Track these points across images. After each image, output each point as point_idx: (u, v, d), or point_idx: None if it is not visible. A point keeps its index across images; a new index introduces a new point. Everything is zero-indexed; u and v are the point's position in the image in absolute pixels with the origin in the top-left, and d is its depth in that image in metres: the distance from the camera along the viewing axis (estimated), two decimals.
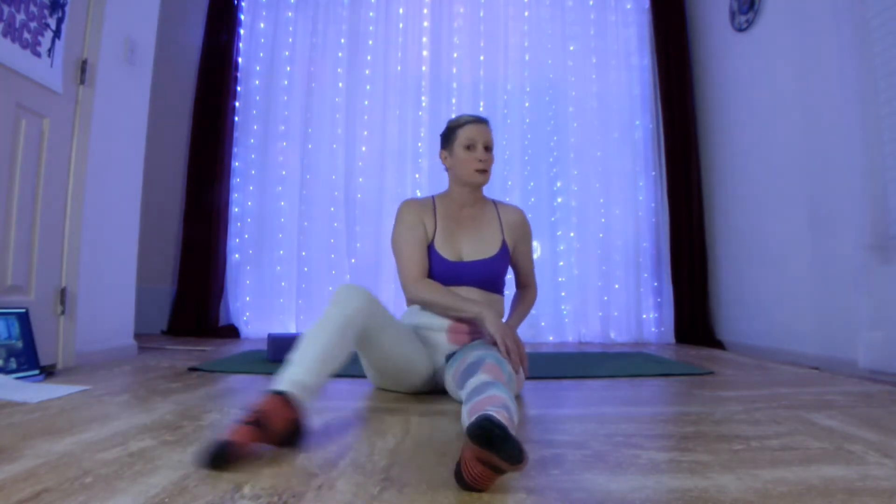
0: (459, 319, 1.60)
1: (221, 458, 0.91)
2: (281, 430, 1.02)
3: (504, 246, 1.71)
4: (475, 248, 1.69)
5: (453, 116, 1.78)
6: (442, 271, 1.65)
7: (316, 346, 1.20)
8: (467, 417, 0.98)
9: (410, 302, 1.67)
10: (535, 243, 3.50)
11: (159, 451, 1.01)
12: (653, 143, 3.67)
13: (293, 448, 1.05)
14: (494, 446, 0.78)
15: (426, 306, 1.63)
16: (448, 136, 1.73)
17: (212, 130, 3.53)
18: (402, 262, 1.65)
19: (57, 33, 1.98)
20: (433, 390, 1.68)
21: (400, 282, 1.67)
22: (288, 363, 1.16)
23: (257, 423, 0.98)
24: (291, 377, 1.12)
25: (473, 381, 1.14)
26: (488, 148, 1.70)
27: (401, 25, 3.68)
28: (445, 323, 1.62)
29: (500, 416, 0.90)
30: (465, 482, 0.83)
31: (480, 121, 1.71)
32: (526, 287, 1.85)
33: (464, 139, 1.68)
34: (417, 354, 1.59)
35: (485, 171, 1.68)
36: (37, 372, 1.78)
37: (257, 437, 0.97)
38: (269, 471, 0.92)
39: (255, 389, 1.69)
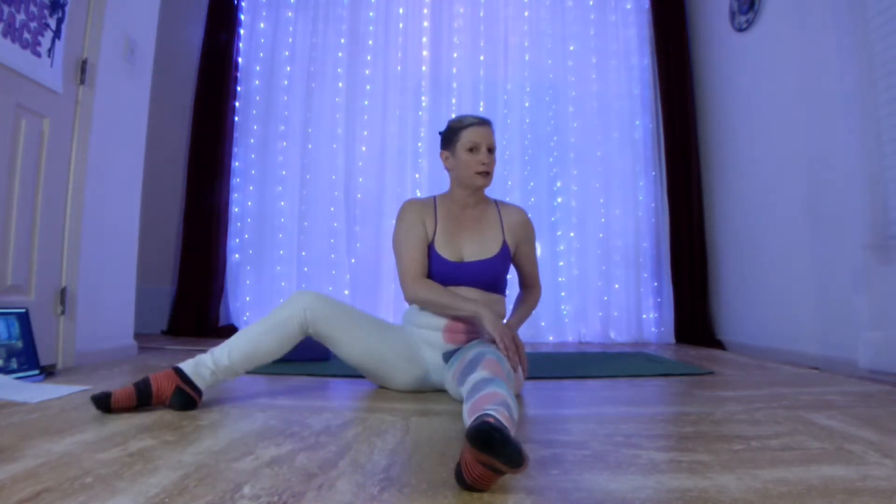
0: (457, 318, 1.60)
1: (100, 402, 1.28)
2: (167, 394, 1.34)
3: (504, 246, 1.71)
4: (476, 248, 1.69)
5: (454, 116, 1.78)
6: (442, 272, 1.65)
7: (240, 338, 1.45)
8: (468, 416, 0.98)
9: (409, 301, 1.67)
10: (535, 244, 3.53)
11: (159, 451, 1.00)
12: (653, 143, 3.67)
13: (179, 410, 1.34)
14: (494, 450, 0.78)
15: (424, 306, 1.63)
16: (450, 137, 1.71)
17: (212, 130, 3.53)
18: (402, 262, 1.65)
19: (57, 33, 1.98)
20: (433, 390, 1.68)
21: (399, 281, 1.67)
22: (215, 348, 1.44)
23: (138, 386, 1.32)
24: (197, 359, 1.41)
25: (473, 378, 1.14)
26: (491, 150, 1.69)
27: (401, 25, 3.68)
28: (442, 322, 1.62)
29: (499, 414, 0.90)
30: (465, 483, 0.83)
31: (484, 122, 1.70)
32: (529, 287, 1.84)
33: (466, 141, 1.67)
34: (395, 353, 1.61)
35: (487, 174, 1.68)
36: (37, 372, 1.78)
37: (135, 397, 1.31)
38: (269, 471, 0.92)
39: (256, 389, 1.69)
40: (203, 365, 1.40)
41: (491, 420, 0.83)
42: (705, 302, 3.45)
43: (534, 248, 1.82)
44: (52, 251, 1.99)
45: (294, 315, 1.50)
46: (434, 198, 1.78)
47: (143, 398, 1.32)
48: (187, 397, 1.36)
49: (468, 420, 0.96)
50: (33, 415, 1.27)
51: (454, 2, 3.71)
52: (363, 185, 3.58)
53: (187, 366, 1.39)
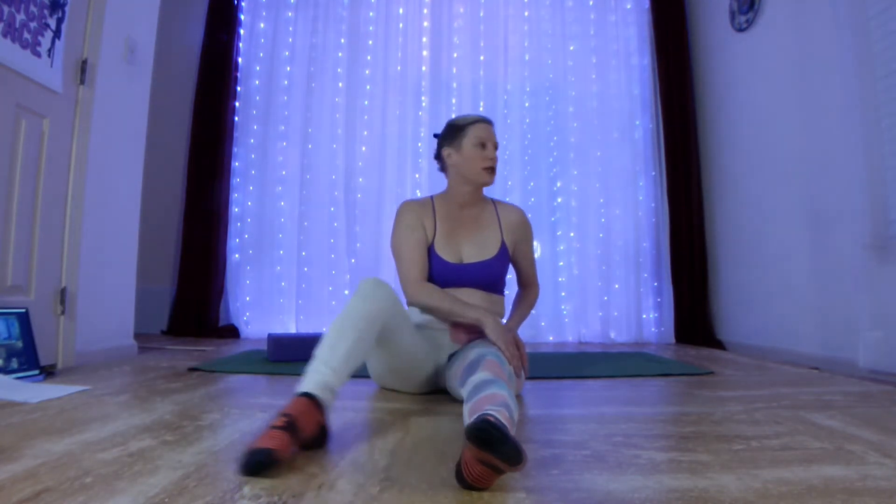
0: (458, 323, 1.60)
1: (263, 465, 0.90)
2: (309, 434, 1.02)
3: (503, 247, 1.71)
4: (475, 249, 1.69)
5: (455, 115, 1.78)
6: (442, 274, 1.64)
7: (342, 343, 1.20)
8: (468, 416, 0.98)
9: (411, 305, 1.67)
10: (534, 243, 3.53)
11: (159, 451, 1.00)
12: (653, 143, 3.67)
13: (318, 450, 1.06)
14: (493, 448, 0.79)
15: (427, 311, 1.63)
16: (455, 134, 1.70)
17: (212, 130, 3.53)
18: (403, 265, 1.64)
19: (57, 33, 1.98)
20: (435, 390, 1.68)
21: (400, 284, 1.66)
22: (314, 360, 1.16)
23: (290, 427, 0.97)
24: (319, 378, 1.12)
25: (474, 379, 1.14)
26: (496, 148, 1.71)
27: (401, 25, 3.68)
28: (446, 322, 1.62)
29: (500, 415, 0.90)
30: (465, 482, 0.83)
31: (489, 121, 1.72)
32: (528, 286, 1.84)
33: (474, 137, 1.67)
34: (424, 354, 1.59)
35: (493, 171, 1.68)
36: (37, 372, 1.78)
37: (291, 442, 0.97)
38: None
39: (256, 389, 1.69)
40: (330, 391, 1.13)
41: (490, 419, 0.83)
42: (705, 302, 3.45)
43: (531, 248, 1.82)
44: (52, 251, 1.99)
45: (378, 314, 1.31)
46: (431, 198, 1.78)
47: (297, 440, 1.00)
48: (325, 435, 1.10)
49: (468, 420, 0.96)
50: (33, 415, 1.27)
51: (454, 2, 3.71)
52: (363, 185, 3.58)
53: (324, 394, 1.10)
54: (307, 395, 1.07)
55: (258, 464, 0.89)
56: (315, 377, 1.12)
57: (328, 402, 1.10)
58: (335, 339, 1.21)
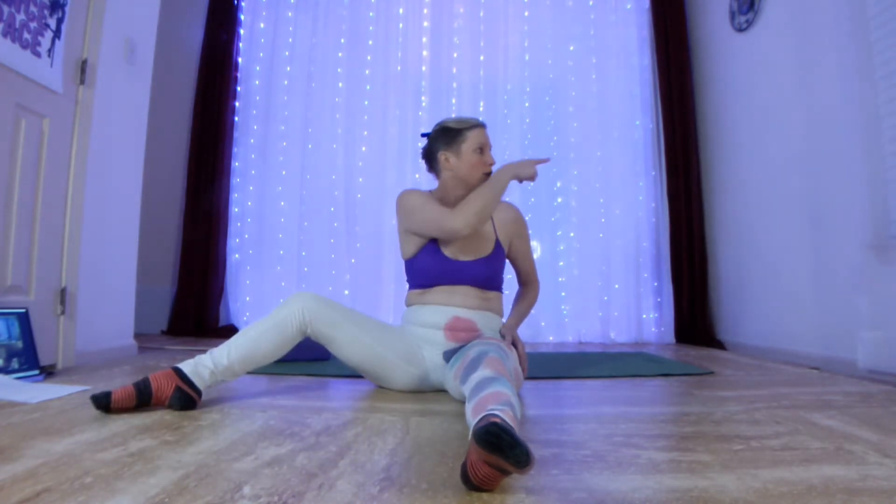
0: (458, 318, 1.61)
1: (100, 402, 1.28)
2: (164, 396, 1.34)
3: (498, 244, 1.72)
4: (470, 248, 1.69)
5: (450, 118, 1.78)
6: (438, 266, 1.66)
7: (238, 339, 1.46)
8: (471, 415, 0.98)
9: (463, 229, 1.58)
10: (534, 243, 3.54)
11: (159, 451, 1.00)
12: (653, 143, 3.67)
13: (179, 410, 1.35)
14: (503, 451, 0.78)
15: (479, 220, 1.58)
16: (453, 138, 1.70)
17: (212, 130, 3.53)
18: (428, 214, 1.63)
19: (57, 33, 1.98)
20: (433, 390, 1.68)
21: (438, 227, 1.61)
22: (214, 349, 1.46)
23: (138, 386, 1.33)
24: (197, 359, 1.42)
25: (476, 377, 1.14)
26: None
27: (401, 25, 3.68)
28: (443, 321, 1.63)
29: (504, 414, 0.90)
30: (471, 483, 0.83)
31: (484, 124, 1.73)
32: (527, 284, 1.84)
33: (474, 142, 1.68)
34: (394, 353, 1.61)
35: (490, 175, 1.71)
36: (37, 372, 1.78)
37: (135, 397, 1.31)
38: (269, 471, 0.92)
39: (255, 389, 1.69)
40: (202, 365, 1.41)
41: (498, 421, 0.83)
42: (705, 302, 3.45)
43: (528, 244, 1.82)
44: (52, 251, 1.99)
45: (292, 315, 1.51)
46: (430, 193, 1.80)
47: (142, 398, 1.33)
48: (187, 397, 1.36)
49: (472, 419, 0.96)
50: (33, 415, 1.27)
51: (454, 2, 3.71)
52: (363, 185, 3.58)
53: (187, 366, 1.39)
54: (175, 367, 1.38)
55: (95, 399, 1.27)
56: (196, 358, 1.42)
57: (193, 373, 1.38)
58: (236, 337, 1.47)
